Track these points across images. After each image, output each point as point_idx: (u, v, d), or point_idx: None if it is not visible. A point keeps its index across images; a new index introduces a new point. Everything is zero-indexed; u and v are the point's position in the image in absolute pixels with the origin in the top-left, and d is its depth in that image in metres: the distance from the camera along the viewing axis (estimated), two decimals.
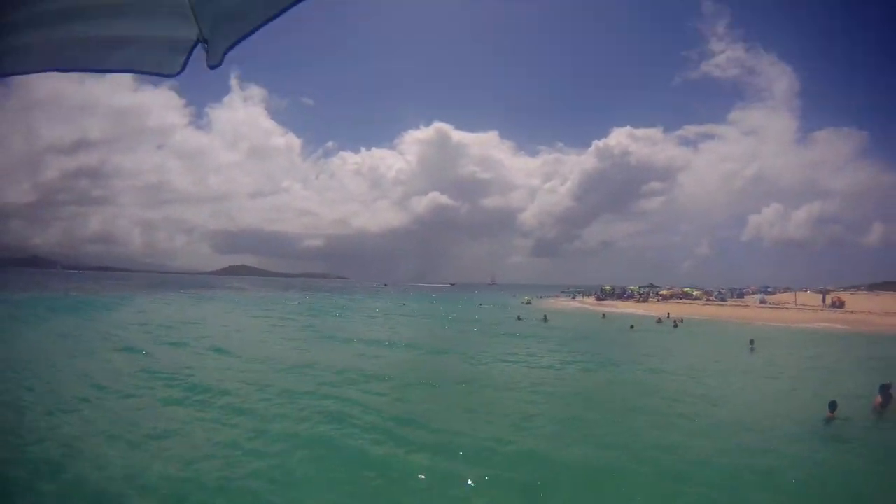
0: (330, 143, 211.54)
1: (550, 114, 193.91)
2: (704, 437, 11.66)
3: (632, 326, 38.21)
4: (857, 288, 65.97)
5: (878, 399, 13.21)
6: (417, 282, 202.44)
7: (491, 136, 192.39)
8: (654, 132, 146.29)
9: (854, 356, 25.87)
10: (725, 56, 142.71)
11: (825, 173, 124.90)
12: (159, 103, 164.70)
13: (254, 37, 1.93)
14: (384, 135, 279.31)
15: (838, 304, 50.27)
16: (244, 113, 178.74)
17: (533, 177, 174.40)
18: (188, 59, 2.11)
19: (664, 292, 71.29)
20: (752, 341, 27.95)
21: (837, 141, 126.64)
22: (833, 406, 12.44)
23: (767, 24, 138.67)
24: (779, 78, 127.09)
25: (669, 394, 16.23)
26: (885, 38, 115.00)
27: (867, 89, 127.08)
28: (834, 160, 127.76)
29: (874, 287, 65.19)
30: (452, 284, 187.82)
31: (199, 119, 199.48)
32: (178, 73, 2.13)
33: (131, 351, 21.68)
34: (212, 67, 2.05)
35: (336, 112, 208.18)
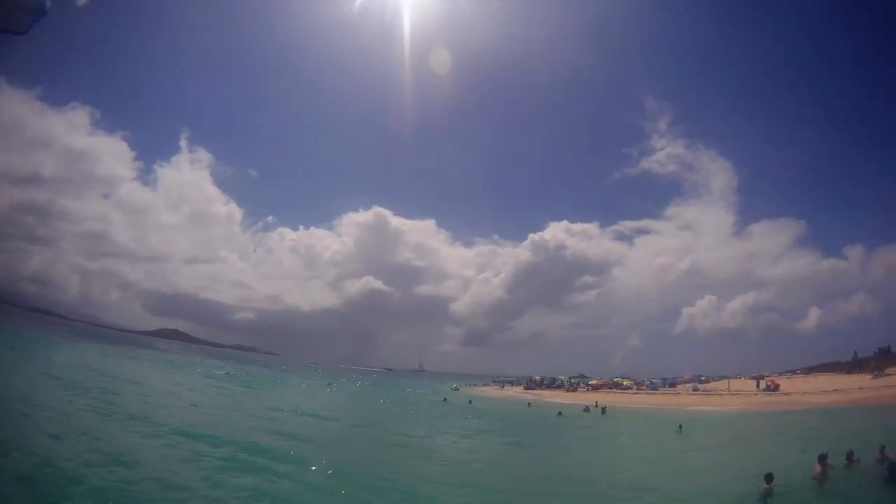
0: (270, 218, 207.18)
1: (487, 206, 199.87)
2: None
3: (560, 413, 36.77)
4: (794, 372, 63.92)
5: (818, 469, 13.23)
6: (348, 364, 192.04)
7: (428, 225, 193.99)
8: (591, 227, 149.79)
9: (787, 432, 25.41)
10: (665, 153, 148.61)
11: (761, 264, 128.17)
12: (110, 151, 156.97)
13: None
14: (324, 214, 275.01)
15: (773, 388, 48.73)
16: (190, 176, 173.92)
17: (467, 267, 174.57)
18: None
19: (594, 382, 71.03)
20: (680, 426, 26.65)
21: (774, 232, 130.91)
22: (769, 478, 12.20)
23: (707, 120, 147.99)
24: (717, 174, 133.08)
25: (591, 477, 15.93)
26: (824, 127, 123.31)
27: (805, 179, 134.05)
28: (770, 250, 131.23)
29: (811, 370, 63.61)
30: (389, 370, 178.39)
31: (146, 175, 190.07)
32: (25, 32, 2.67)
33: None
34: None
35: (279, 186, 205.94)
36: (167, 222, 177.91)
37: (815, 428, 24.72)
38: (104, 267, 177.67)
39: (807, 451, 15.30)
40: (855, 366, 55.65)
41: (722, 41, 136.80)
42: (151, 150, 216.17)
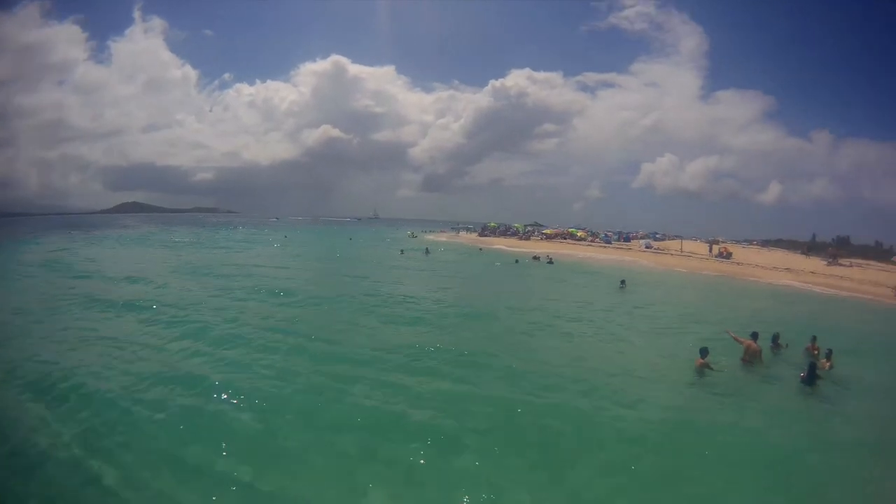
0: (227, 75, 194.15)
1: (449, 51, 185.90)
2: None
3: (516, 261, 37.95)
4: (751, 242, 63.33)
5: (751, 345, 12.65)
6: (311, 215, 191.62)
7: (387, 71, 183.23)
8: (554, 76, 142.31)
9: (727, 301, 24.64)
10: (636, 10, 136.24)
11: (725, 131, 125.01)
12: (63, 37, 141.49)
13: None
14: (281, 67, 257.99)
15: (725, 255, 47.63)
16: (145, 45, 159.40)
17: (426, 113, 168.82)
18: None
19: (548, 231, 70.82)
20: (623, 281, 26.47)
21: (742, 102, 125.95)
22: (704, 352, 11.67)
23: None
24: (688, 36, 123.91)
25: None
26: (801, 8, 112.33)
27: (778, 56, 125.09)
28: (736, 119, 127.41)
29: (767, 243, 62.98)
30: (359, 219, 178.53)
31: (100, 53, 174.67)
32: None
33: None
34: None
35: (235, 43, 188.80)
36: (123, 94, 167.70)
37: (758, 301, 24.57)
38: (63, 153, 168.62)
39: (746, 325, 14.52)
40: (811, 248, 55.09)
41: None
42: (104, 28, 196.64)
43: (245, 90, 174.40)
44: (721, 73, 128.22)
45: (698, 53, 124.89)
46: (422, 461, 7.04)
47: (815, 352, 13.28)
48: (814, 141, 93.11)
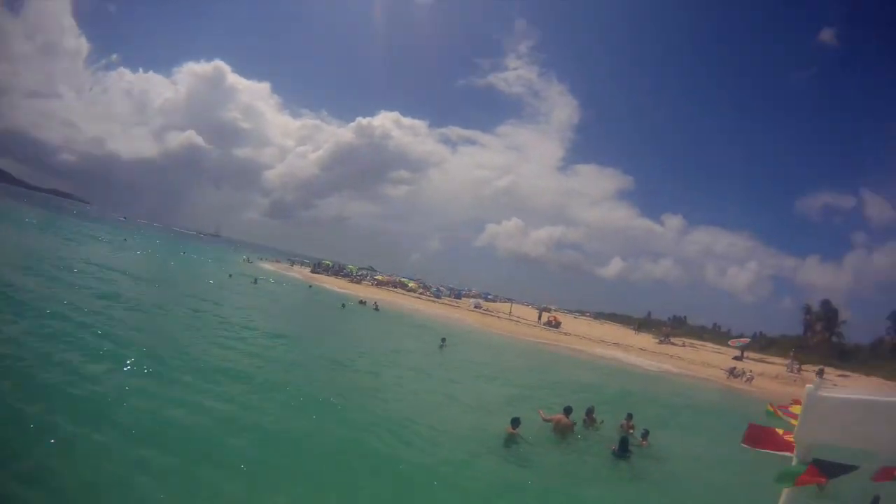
0: (114, 56, 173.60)
1: (324, 82, 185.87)
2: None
3: (343, 305, 36.17)
4: (583, 313, 64.47)
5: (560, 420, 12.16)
6: (156, 221, 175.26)
7: (263, 87, 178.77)
8: (420, 124, 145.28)
9: (548, 372, 23.85)
10: (517, 73, 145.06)
11: (577, 203, 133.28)
12: None
13: None
14: (166, 59, 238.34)
15: (554, 324, 47.78)
16: (54, 6, 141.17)
17: (289, 137, 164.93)
18: None
19: (380, 277, 69.63)
20: (443, 339, 24.96)
21: (599, 179, 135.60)
22: (515, 422, 11.05)
23: (570, 57, 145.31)
24: (562, 107, 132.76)
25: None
26: (670, 101, 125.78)
27: (642, 140, 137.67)
28: (591, 193, 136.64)
29: (601, 316, 64.75)
30: (202, 234, 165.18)
31: (12, 1, 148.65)
32: None
33: None
34: None
35: (132, 24, 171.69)
36: (19, 52, 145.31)
37: (579, 373, 24.64)
38: None
39: (565, 397, 14.40)
40: (643, 325, 57.09)
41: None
42: None
43: (127, 76, 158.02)
44: (585, 147, 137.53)
45: (567, 125, 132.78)
46: None
47: (631, 430, 13.27)
48: (665, 224, 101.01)
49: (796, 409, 3.31)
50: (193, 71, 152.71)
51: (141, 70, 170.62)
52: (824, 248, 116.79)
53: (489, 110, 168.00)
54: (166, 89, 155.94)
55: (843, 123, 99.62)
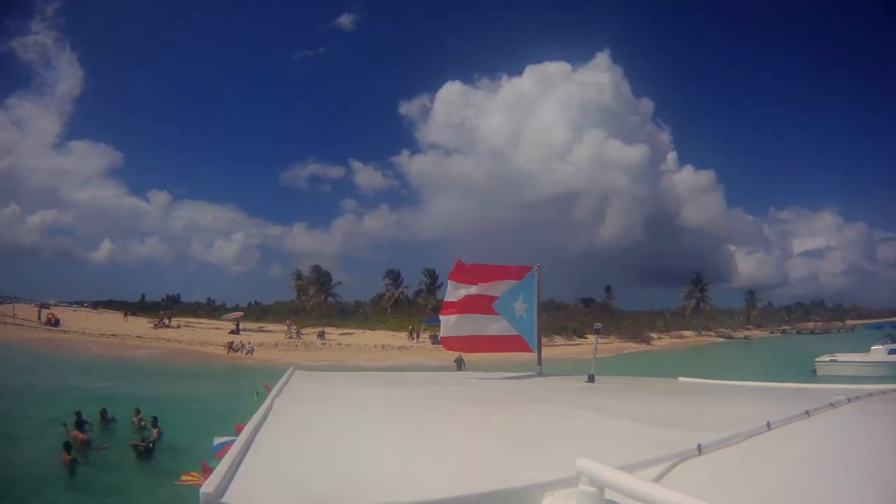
0: None
1: None
2: None
3: None
4: (82, 304, 60.17)
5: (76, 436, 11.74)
6: None
7: None
8: None
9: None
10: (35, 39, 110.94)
11: (69, 183, 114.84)
12: None
13: None
14: None
15: (54, 322, 44.12)
16: None
17: None
18: None
19: None
20: None
21: (91, 154, 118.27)
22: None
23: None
24: (65, 80, 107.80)
25: None
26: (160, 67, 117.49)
27: (131, 115, 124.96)
28: (82, 172, 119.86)
29: (98, 305, 61.03)
30: None
31: None
32: None
33: None
34: None
35: None
36: None
37: (88, 377, 23.70)
38: None
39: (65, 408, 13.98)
40: (140, 308, 56.38)
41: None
42: None
43: None
44: (82, 122, 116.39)
45: (68, 98, 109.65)
46: None
47: (142, 423, 13.67)
48: (151, 201, 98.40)
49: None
50: None
51: None
52: (312, 216, 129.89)
53: None
54: None
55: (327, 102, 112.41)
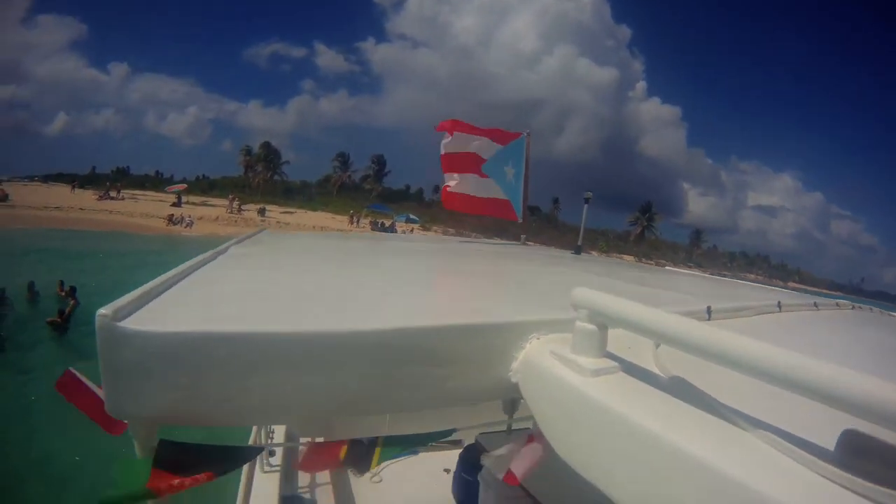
0: None
1: None
2: None
3: None
4: (33, 178, 59.90)
5: None
6: None
7: None
8: None
9: None
10: None
11: (31, 58, 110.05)
12: None
13: None
14: None
15: (2, 198, 43.39)
16: None
17: None
18: None
19: None
20: None
21: (61, 29, 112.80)
22: None
23: None
24: None
25: None
26: None
27: None
28: (47, 46, 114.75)
29: (49, 178, 60.62)
30: None
31: None
32: None
33: None
34: None
35: None
36: None
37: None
38: None
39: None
40: (90, 181, 54.72)
41: None
42: None
43: None
44: None
45: None
46: None
47: (64, 294, 13.71)
48: (111, 73, 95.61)
49: None
50: None
51: None
52: (269, 94, 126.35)
53: None
54: None
55: None
